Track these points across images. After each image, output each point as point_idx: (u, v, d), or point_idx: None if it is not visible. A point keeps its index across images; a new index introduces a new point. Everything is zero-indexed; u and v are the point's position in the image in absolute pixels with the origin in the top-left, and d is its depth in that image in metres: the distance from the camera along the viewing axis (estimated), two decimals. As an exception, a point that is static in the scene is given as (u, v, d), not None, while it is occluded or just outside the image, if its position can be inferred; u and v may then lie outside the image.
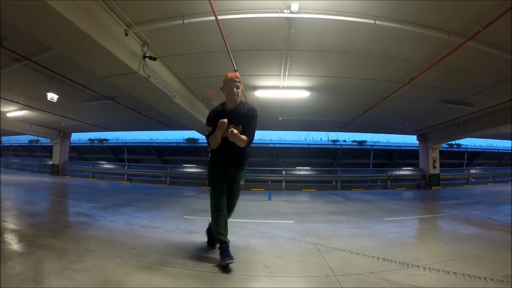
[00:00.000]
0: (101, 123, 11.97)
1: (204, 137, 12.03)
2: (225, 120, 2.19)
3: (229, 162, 2.42)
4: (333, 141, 16.29)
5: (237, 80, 2.36)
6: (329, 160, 16.52)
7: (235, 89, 2.33)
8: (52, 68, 5.54)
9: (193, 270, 2.09)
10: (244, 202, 5.36)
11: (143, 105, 7.72)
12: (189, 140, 15.95)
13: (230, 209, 2.53)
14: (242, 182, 2.54)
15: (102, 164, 13.83)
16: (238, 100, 2.41)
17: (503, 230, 3.57)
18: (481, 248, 2.73)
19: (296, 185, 10.91)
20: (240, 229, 3.42)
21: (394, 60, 4.92)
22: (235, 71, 4.91)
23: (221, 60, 4.87)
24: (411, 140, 14.73)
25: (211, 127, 2.31)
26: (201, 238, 3.09)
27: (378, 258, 2.41)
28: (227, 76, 2.41)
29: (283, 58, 4.85)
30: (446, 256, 2.46)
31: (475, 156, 17.26)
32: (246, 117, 2.35)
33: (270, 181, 10.92)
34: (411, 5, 3.44)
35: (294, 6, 3.44)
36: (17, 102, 8.03)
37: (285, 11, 3.50)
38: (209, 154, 2.51)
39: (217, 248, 2.35)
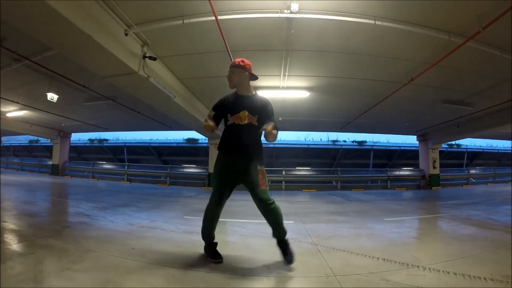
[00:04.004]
0: (101, 123, 11.98)
1: (204, 137, 12.01)
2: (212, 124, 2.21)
3: (239, 150, 2.22)
4: (333, 141, 16.31)
5: (231, 66, 2.27)
6: (329, 160, 16.53)
7: (229, 76, 2.26)
8: (52, 68, 5.54)
9: (193, 270, 2.08)
10: (244, 202, 5.35)
11: (143, 105, 7.72)
12: (189, 140, 15.96)
13: (257, 197, 2.17)
14: (259, 167, 2.24)
15: (102, 164, 13.84)
16: (253, 91, 2.34)
17: (503, 230, 3.57)
18: (481, 248, 2.73)
19: (296, 185, 10.92)
20: (240, 229, 3.42)
21: (394, 60, 4.92)
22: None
23: (221, 60, 4.87)
24: (411, 140, 14.77)
25: (214, 112, 2.26)
26: (201, 238, 3.09)
27: (378, 258, 2.41)
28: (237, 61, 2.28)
29: (283, 58, 4.85)
30: (446, 256, 2.46)
31: (475, 156, 17.27)
32: (265, 108, 2.27)
33: (270, 181, 10.90)
34: (411, 5, 3.44)
35: (294, 6, 3.44)
36: (17, 102, 8.04)
37: (285, 11, 3.50)
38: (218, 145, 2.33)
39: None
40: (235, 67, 2.25)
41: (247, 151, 2.23)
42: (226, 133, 2.29)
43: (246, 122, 2.20)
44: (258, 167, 2.24)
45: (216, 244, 2.37)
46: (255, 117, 2.22)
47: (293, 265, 2.27)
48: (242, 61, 2.27)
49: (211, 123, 2.22)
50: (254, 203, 2.25)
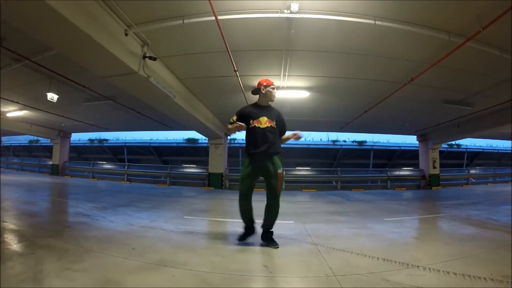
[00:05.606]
0: (101, 123, 11.98)
1: (204, 137, 12.09)
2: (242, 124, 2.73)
3: (260, 151, 2.70)
4: (333, 141, 16.30)
5: (274, 86, 2.90)
6: (329, 160, 16.53)
7: (274, 93, 2.90)
8: (52, 68, 5.55)
9: (193, 270, 2.08)
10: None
11: (143, 105, 7.72)
12: (189, 140, 15.96)
13: (270, 196, 2.74)
14: (279, 170, 2.69)
15: (102, 164, 13.83)
16: (269, 103, 2.94)
17: (503, 230, 3.57)
18: (481, 248, 2.73)
19: (296, 185, 10.90)
20: (240, 229, 3.41)
21: (394, 60, 4.92)
22: (235, 71, 4.92)
23: (221, 60, 4.87)
24: (411, 140, 14.76)
25: (236, 117, 2.82)
26: (201, 238, 3.10)
27: (378, 258, 2.41)
28: (265, 81, 2.87)
29: (283, 58, 4.85)
30: (446, 256, 2.46)
31: (475, 156, 17.27)
32: (279, 118, 2.87)
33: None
34: (411, 5, 3.44)
35: (294, 6, 3.44)
36: (17, 102, 8.04)
37: (285, 11, 3.50)
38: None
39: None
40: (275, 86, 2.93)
41: (269, 148, 2.70)
42: (249, 135, 2.80)
43: (266, 125, 2.76)
44: (279, 171, 2.69)
45: (249, 228, 2.87)
46: (273, 121, 2.80)
47: (293, 265, 2.27)
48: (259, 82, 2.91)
49: (237, 124, 2.72)
50: (253, 204, 2.74)
